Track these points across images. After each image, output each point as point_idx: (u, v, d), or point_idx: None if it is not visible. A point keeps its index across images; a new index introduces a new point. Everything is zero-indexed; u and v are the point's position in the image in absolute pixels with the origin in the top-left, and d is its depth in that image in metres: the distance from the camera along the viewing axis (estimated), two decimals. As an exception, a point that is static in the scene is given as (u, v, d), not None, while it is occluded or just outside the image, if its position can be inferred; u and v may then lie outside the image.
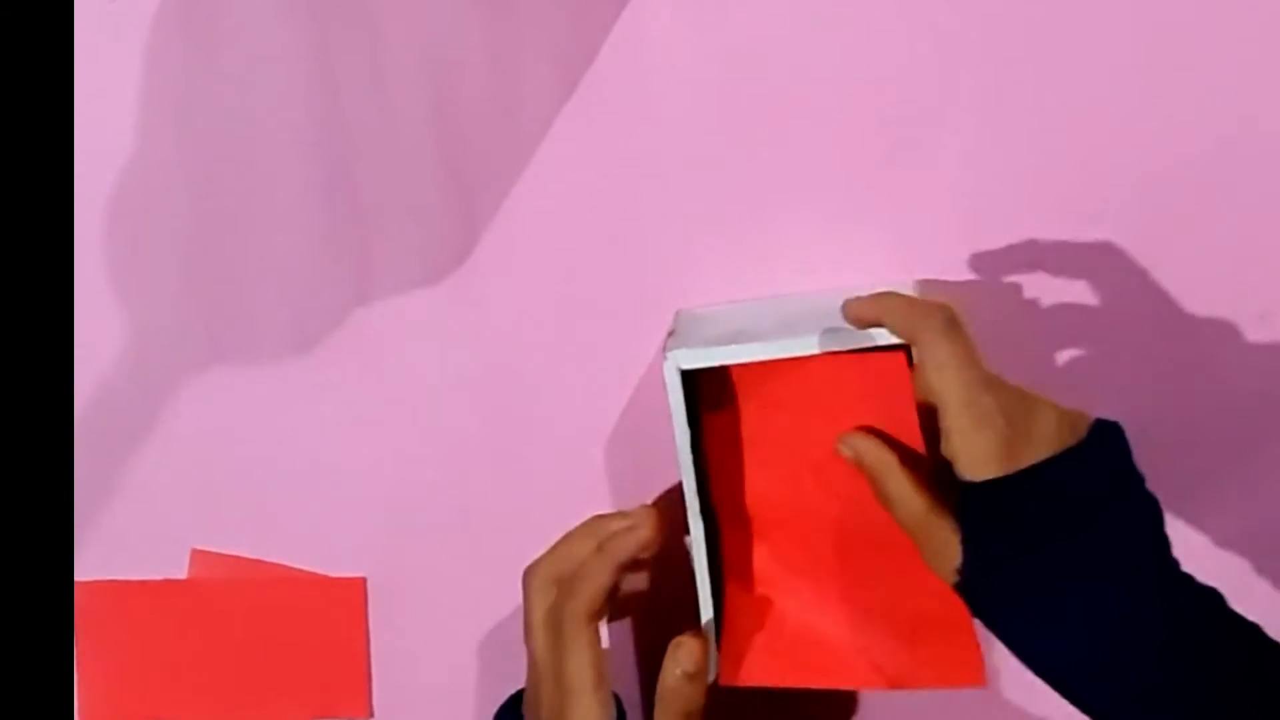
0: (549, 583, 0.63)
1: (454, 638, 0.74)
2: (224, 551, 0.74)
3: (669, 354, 0.62)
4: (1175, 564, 0.55)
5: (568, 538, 0.64)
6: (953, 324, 0.57)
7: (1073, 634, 0.54)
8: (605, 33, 0.68)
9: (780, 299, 0.68)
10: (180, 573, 0.74)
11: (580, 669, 0.60)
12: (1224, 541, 0.68)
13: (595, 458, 0.71)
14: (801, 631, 0.65)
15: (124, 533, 0.74)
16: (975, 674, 0.60)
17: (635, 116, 0.69)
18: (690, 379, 0.62)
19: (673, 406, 0.62)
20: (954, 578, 0.56)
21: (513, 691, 0.67)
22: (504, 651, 0.73)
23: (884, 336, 0.59)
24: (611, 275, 0.70)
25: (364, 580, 0.74)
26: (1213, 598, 0.55)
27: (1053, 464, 0.55)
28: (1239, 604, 0.55)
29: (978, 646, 0.60)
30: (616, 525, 0.63)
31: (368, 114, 0.70)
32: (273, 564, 0.74)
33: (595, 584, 0.61)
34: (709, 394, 0.65)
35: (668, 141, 0.69)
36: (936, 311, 0.57)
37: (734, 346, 0.61)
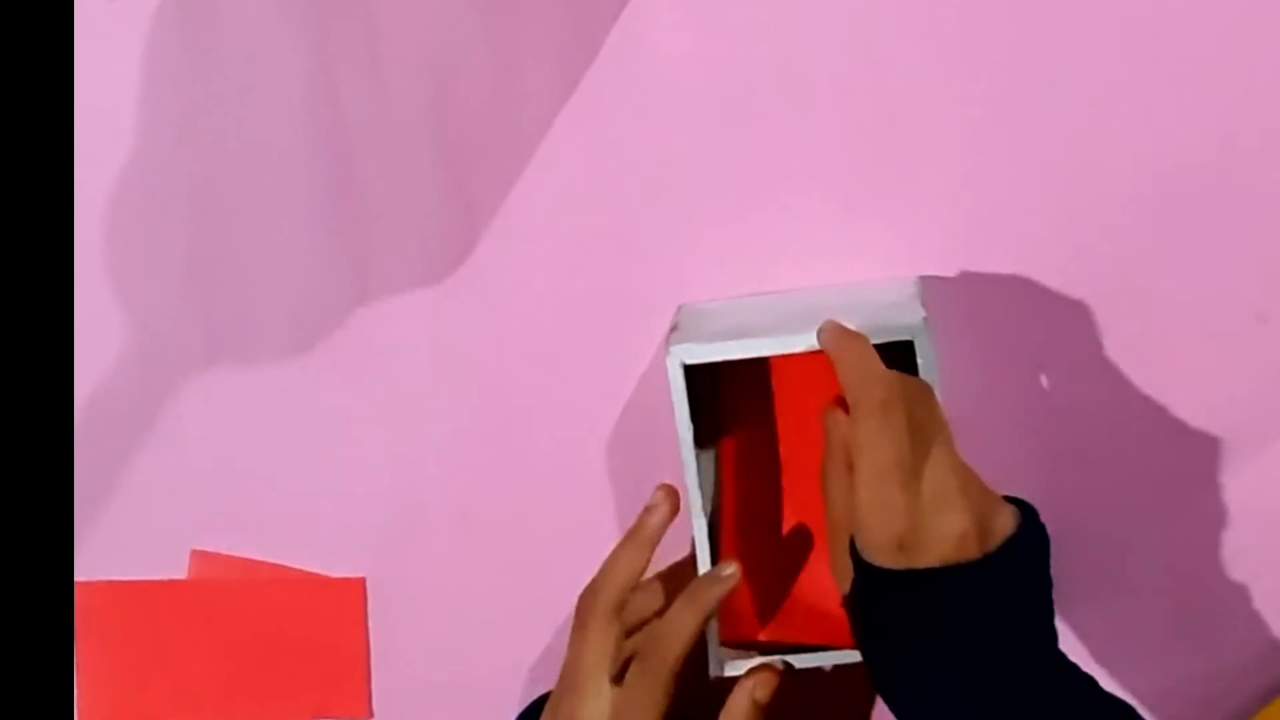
0: (612, 611, 0.61)
1: (454, 638, 0.74)
2: (224, 551, 0.74)
3: (671, 349, 0.62)
4: (1052, 678, 0.55)
5: (617, 554, 0.63)
6: (890, 406, 0.55)
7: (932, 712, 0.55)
8: (605, 33, 0.68)
9: (784, 294, 0.68)
10: (180, 573, 0.74)
11: (593, 658, 0.60)
12: (1223, 543, 0.68)
13: (595, 456, 0.71)
14: (799, 599, 0.65)
15: (124, 533, 0.74)
16: None
17: (635, 116, 0.69)
18: (693, 374, 0.62)
19: (675, 401, 0.62)
20: (841, 598, 0.57)
21: (522, 693, 0.67)
22: (504, 651, 0.73)
23: (884, 334, 0.59)
24: (612, 274, 0.70)
25: (364, 580, 0.74)
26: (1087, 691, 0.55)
27: (937, 574, 0.54)
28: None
29: None
30: (657, 519, 0.62)
31: (368, 114, 0.70)
32: (273, 564, 0.74)
33: (684, 636, 0.59)
34: (712, 389, 0.64)
35: (668, 140, 0.69)
36: (880, 386, 0.56)
37: (737, 342, 0.61)
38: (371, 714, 0.75)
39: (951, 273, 0.68)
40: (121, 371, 0.73)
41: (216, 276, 0.72)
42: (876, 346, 0.59)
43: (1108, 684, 0.65)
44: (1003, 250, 0.68)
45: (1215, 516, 0.68)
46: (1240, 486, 0.68)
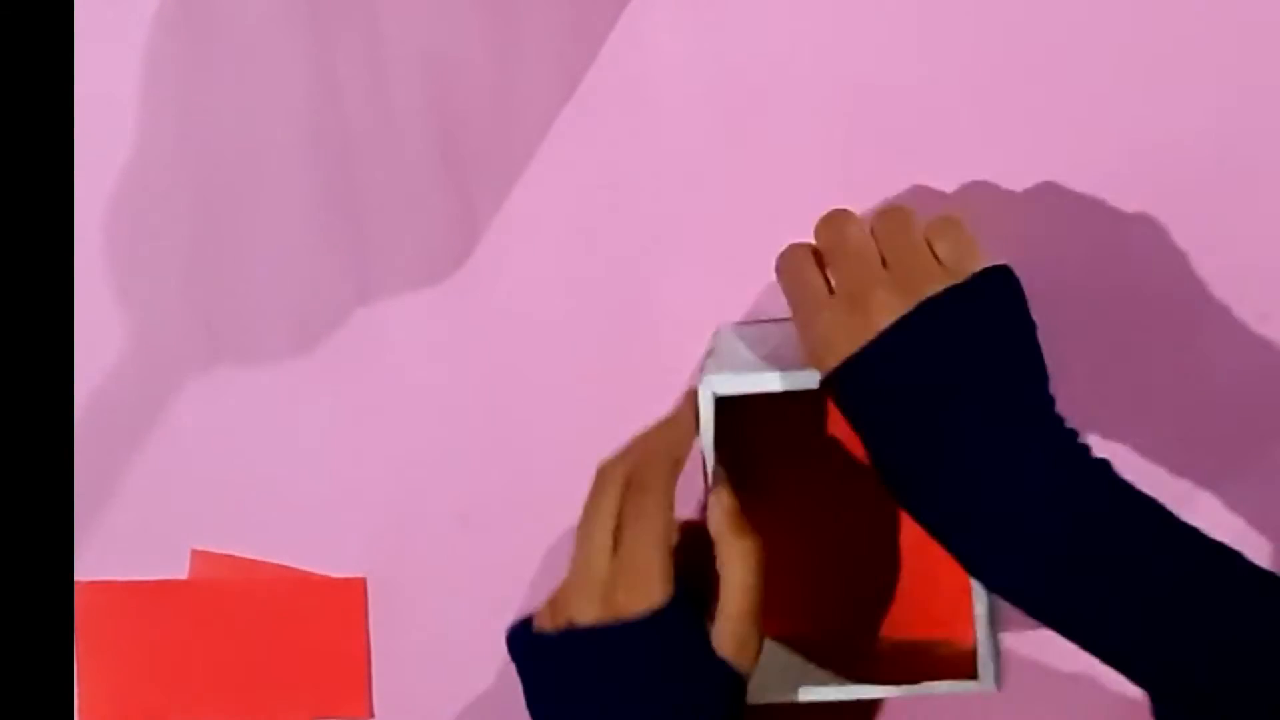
0: (623, 473, 0.60)
1: (454, 638, 0.74)
2: (224, 551, 0.74)
3: (705, 377, 0.60)
4: (1057, 422, 0.55)
5: (641, 438, 0.62)
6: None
7: (951, 507, 0.54)
8: (605, 33, 0.68)
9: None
10: (180, 573, 0.74)
11: (648, 531, 0.57)
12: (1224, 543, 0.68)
13: (595, 456, 0.71)
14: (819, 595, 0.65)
15: (124, 533, 0.74)
16: (968, 669, 0.60)
17: (636, 116, 0.69)
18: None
19: (703, 432, 0.60)
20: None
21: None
22: (504, 652, 0.73)
23: None
24: (611, 274, 0.70)
25: (364, 580, 0.74)
26: (1100, 465, 0.55)
27: (889, 334, 0.55)
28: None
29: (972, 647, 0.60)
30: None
31: (368, 114, 0.70)
32: (273, 564, 0.74)
33: (683, 443, 0.59)
34: (735, 412, 0.63)
35: (668, 141, 0.69)
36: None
37: (769, 374, 0.60)
38: (372, 714, 0.75)
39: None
40: (121, 371, 0.73)
41: (216, 276, 0.72)
42: None
43: (1109, 683, 0.66)
44: (1004, 251, 0.68)
45: (1215, 517, 0.68)
46: (1240, 486, 0.68)
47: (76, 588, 0.74)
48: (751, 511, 0.60)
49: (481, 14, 0.69)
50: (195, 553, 0.74)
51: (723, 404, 0.60)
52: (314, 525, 0.73)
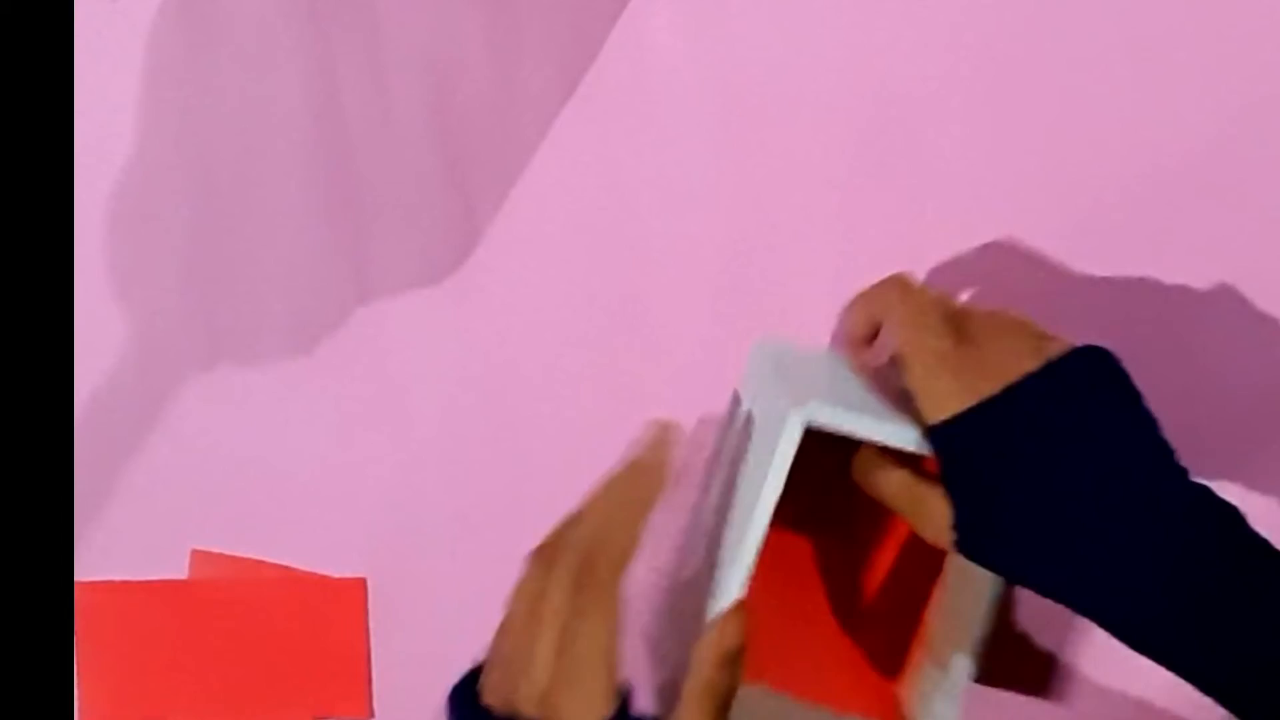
0: (572, 547, 0.57)
1: (454, 638, 0.73)
2: (224, 551, 0.74)
3: (798, 408, 0.54)
4: (1181, 473, 0.54)
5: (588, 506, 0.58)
6: (905, 287, 0.57)
7: (1072, 557, 0.53)
8: (605, 33, 0.68)
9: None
10: (180, 573, 0.74)
11: (596, 634, 0.54)
12: None
13: (595, 457, 0.71)
14: (813, 655, 0.63)
15: (124, 533, 0.74)
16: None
17: (635, 116, 0.69)
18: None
19: (776, 463, 0.54)
20: (950, 536, 0.54)
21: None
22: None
23: None
24: (611, 274, 0.70)
25: (364, 580, 0.74)
26: (1231, 513, 0.54)
27: (1014, 390, 0.53)
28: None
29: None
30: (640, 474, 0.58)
31: (368, 114, 0.70)
32: (273, 564, 0.74)
33: (628, 538, 0.56)
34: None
35: (668, 141, 0.69)
36: (891, 287, 0.58)
37: (884, 423, 0.55)
38: (372, 714, 0.75)
39: (949, 277, 0.68)
40: (121, 371, 0.73)
41: (216, 276, 0.72)
42: None
43: (1113, 683, 0.66)
44: (1004, 250, 0.68)
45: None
46: (1240, 486, 0.68)
47: (76, 588, 0.74)
48: None
49: (481, 14, 0.69)
50: (195, 553, 0.74)
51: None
52: (314, 525, 0.73)
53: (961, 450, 0.54)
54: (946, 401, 0.54)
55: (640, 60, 0.68)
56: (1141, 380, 0.68)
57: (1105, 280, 0.67)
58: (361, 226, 0.71)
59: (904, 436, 0.55)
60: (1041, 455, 0.53)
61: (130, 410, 0.73)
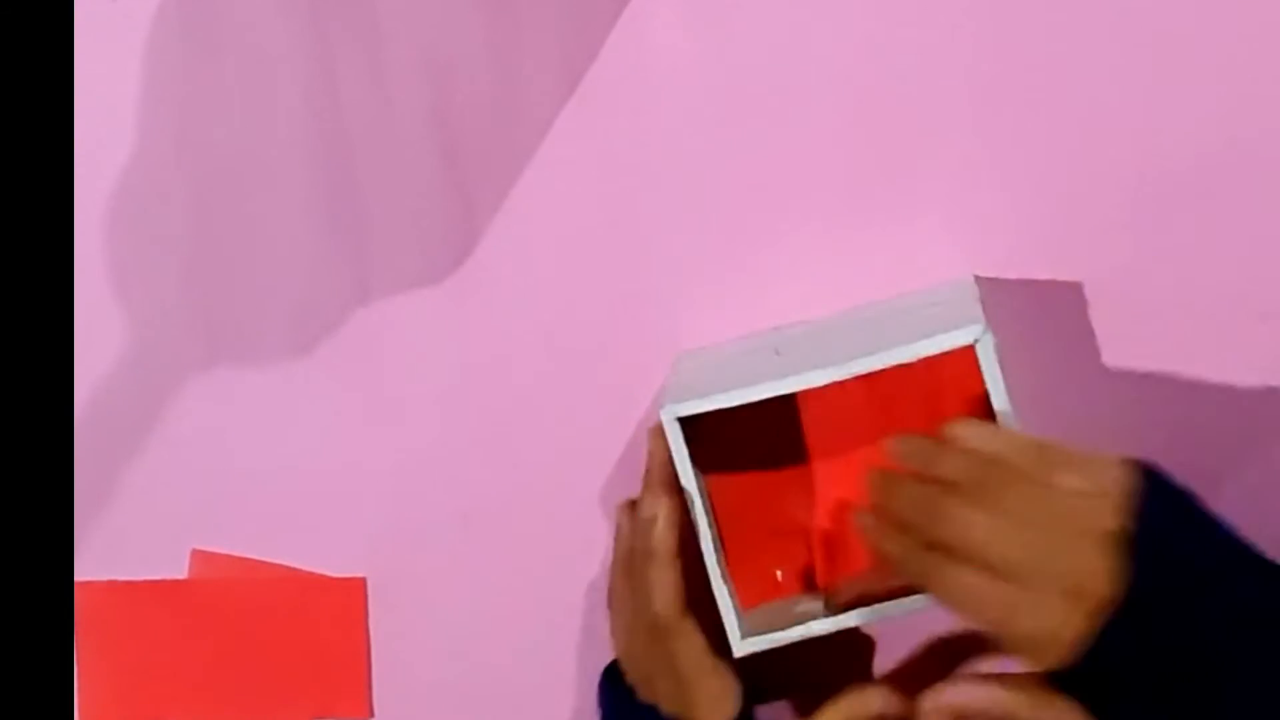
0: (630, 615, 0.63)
1: (454, 638, 0.74)
2: (224, 551, 0.74)
3: (664, 408, 0.61)
4: None
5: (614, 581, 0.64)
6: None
7: None
8: (605, 33, 0.68)
9: (781, 330, 0.68)
10: (180, 573, 0.74)
11: (694, 657, 0.60)
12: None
13: (594, 456, 0.71)
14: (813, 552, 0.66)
15: (124, 533, 0.74)
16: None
17: (635, 116, 0.69)
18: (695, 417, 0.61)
19: (676, 457, 0.61)
20: None
21: (522, 693, 0.67)
22: (504, 651, 0.73)
23: (941, 342, 0.58)
24: (611, 274, 0.70)
25: (364, 580, 0.74)
26: None
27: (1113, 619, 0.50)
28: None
29: None
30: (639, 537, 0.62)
31: (368, 114, 0.70)
32: (273, 564, 0.74)
33: (665, 584, 0.60)
34: (713, 428, 0.63)
35: (668, 141, 0.69)
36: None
37: (729, 393, 0.60)
38: (372, 714, 0.75)
39: (954, 274, 0.68)
40: (121, 371, 0.73)
41: (216, 276, 0.72)
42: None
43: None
44: (1004, 250, 0.68)
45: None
46: (1241, 486, 0.68)
47: (76, 588, 0.74)
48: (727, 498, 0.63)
49: (481, 14, 0.69)
50: (195, 553, 0.74)
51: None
52: (314, 525, 0.73)
53: (1097, 673, 0.51)
54: (1052, 648, 0.51)
55: (641, 60, 0.68)
56: (1143, 379, 0.68)
57: (1105, 280, 0.67)
58: (361, 226, 0.71)
59: (755, 393, 0.59)
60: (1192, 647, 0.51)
61: (130, 410, 0.73)
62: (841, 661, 0.66)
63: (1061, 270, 0.67)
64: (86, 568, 0.74)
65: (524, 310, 0.71)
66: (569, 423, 0.71)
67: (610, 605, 0.64)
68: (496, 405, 0.71)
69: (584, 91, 0.69)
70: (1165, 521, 0.52)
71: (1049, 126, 0.67)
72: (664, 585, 0.60)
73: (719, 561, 0.62)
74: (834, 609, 0.63)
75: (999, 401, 0.59)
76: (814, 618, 0.62)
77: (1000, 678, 0.54)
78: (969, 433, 0.56)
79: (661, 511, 0.60)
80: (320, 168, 0.71)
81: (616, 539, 0.64)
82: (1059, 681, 0.52)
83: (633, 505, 0.63)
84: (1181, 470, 0.67)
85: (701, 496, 0.62)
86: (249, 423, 0.73)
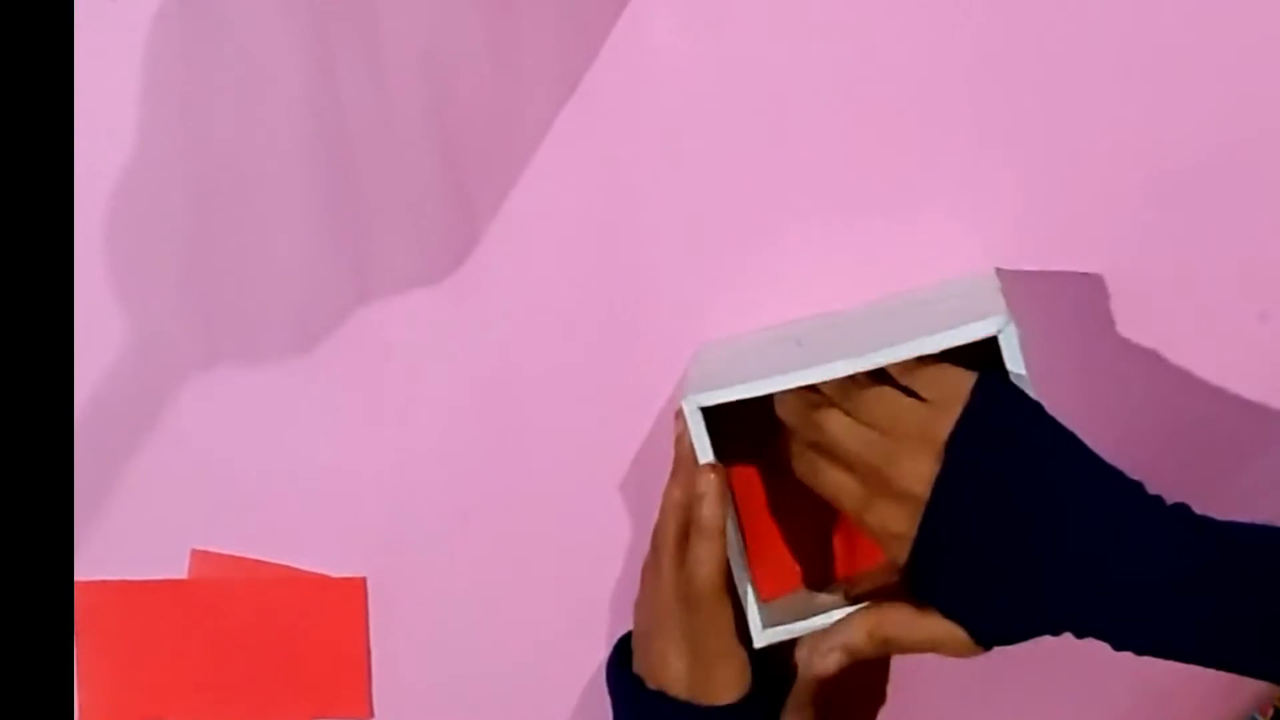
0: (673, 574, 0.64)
1: (454, 638, 0.74)
2: (224, 551, 0.74)
3: (686, 396, 0.62)
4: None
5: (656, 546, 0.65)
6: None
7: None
8: (605, 33, 0.68)
9: (802, 322, 0.68)
10: (180, 573, 0.74)
11: (722, 635, 0.62)
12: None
13: (594, 456, 0.71)
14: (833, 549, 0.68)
15: (124, 533, 0.74)
16: None
17: (636, 117, 0.69)
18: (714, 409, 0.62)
19: (698, 447, 0.62)
20: (972, 645, 0.58)
21: (522, 693, 0.67)
22: (504, 651, 0.73)
23: (963, 335, 0.59)
24: (610, 274, 0.70)
25: (364, 580, 0.74)
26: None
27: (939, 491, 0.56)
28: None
29: None
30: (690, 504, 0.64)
31: (368, 114, 0.70)
32: (273, 564, 0.74)
33: (713, 562, 0.62)
34: (733, 420, 0.64)
35: (668, 141, 0.69)
36: None
37: (751, 383, 0.61)
38: (372, 714, 0.75)
39: (972, 266, 0.68)
40: (121, 371, 0.73)
41: (216, 276, 0.72)
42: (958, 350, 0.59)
43: (1114, 683, 0.66)
44: (1004, 250, 0.68)
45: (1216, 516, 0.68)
46: (1241, 486, 0.68)
47: (76, 588, 0.74)
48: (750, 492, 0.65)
49: (481, 14, 0.69)
50: (195, 553, 0.74)
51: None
52: (314, 525, 0.73)
53: (932, 571, 0.57)
54: (895, 547, 0.58)
55: (641, 60, 0.68)
56: (1143, 379, 0.68)
57: (1124, 273, 0.67)
58: (361, 226, 0.71)
59: (777, 384, 0.60)
60: (1007, 523, 0.56)
61: (130, 410, 0.73)
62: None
63: (1058, 269, 0.67)
64: (86, 568, 0.74)
65: (524, 310, 0.71)
66: (568, 422, 0.71)
67: (644, 581, 0.66)
68: (496, 405, 0.71)
69: (584, 91, 0.69)
70: (982, 430, 0.57)
71: (1050, 125, 0.67)
72: (710, 558, 0.62)
73: (741, 552, 0.63)
74: (853, 600, 0.63)
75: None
76: (833, 609, 0.63)
77: (878, 604, 0.60)
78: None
79: (712, 487, 0.62)
80: (320, 168, 0.71)
81: (662, 515, 0.65)
82: (912, 583, 0.58)
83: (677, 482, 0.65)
84: (1181, 470, 0.68)
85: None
86: (249, 423, 0.73)
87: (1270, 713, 0.68)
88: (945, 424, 0.57)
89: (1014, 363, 0.59)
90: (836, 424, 0.60)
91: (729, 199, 0.69)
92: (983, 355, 0.59)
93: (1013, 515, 0.56)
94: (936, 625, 0.58)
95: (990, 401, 0.57)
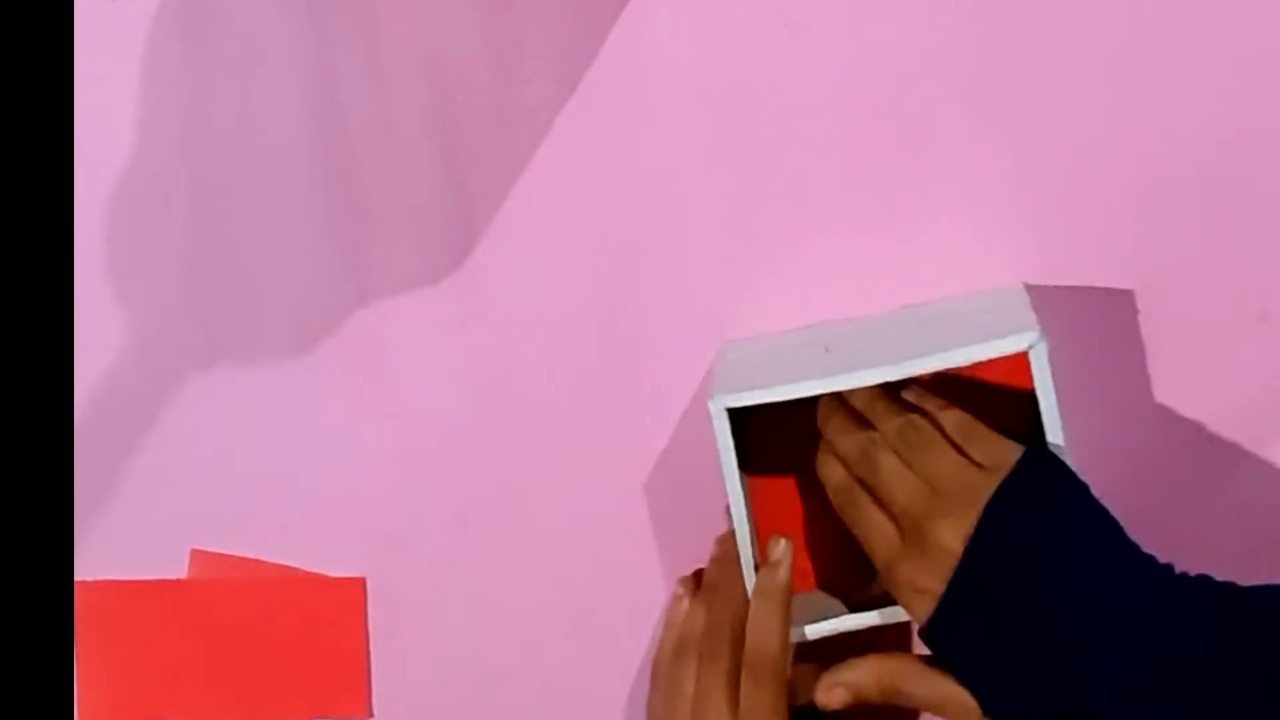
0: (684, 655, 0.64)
1: (454, 638, 0.74)
2: (224, 551, 0.74)
3: (713, 396, 0.61)
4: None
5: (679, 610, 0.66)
6: None
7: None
8: (605, 33, 0.68)
9: (820, 326, 0.68)
10: (180, 573, 0.74)
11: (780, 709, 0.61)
12: (1224, 544, 0.68)
13: (594, 456, 0.71)
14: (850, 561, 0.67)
15: (124, 533, 0.74)
16: None
17: (635, 116, 0.69)
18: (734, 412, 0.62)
19: (721, 448, 0.62)
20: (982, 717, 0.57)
21: (521, 693, 0.67)
22: (504, 652, 0.73)
23: (994, 349, 0.59)
24: (609, 275, 0.70)
25: (364, 580, 0.74)
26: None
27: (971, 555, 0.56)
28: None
29: None
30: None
31: (368, 114, 0.70)
32: (273, 564, 0.74)
33: (777, 633, 0.62)
34: (750, 425, 0.64)
35: (667, 141, 0.69)
36: None
37: (779, 387, 0.61)
38: (371, 714, 0.75)
39: (951, 280, 0.68)
40: (121, 371, 0.73)
41: (216, 276, 0.72)
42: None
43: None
44: (1002, 250, 0.68)
45: (1215, 517, 0.68)
46: (1240, 486, 0.68)
47: (76, 588, 0.74)
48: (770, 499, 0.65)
49: (481, 14, 0.69)
50: (195, 553, 0.74)
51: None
52: (314, 525, 0.73)
53: (954, 633, 0.57)
54: (917, 603, 0.58)
55: (640, 60, 0.68)
56: (1143, 380, 0.68)
57: (1102, 280, 0.67)
58: (361, 226, 0.71)
59: (808, 389, 0.60)
60: (1025, 600, 0.55)
61: (130, 410, 0.73)
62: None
63: (1058, 269, 0.67)
64: (86, 568, 0.74)
65: (523, 310, 0.71)
66: (568, 423, 0.71)
67: (670, 674, 0.64)
68: (496, 405, 0.71)
69: (583, 92, 0.69)
70: (1020, 500, 0.56)
71: (1049, 124, 0.67)
72: (778, 626, 0.62)
73: (754, 556, 0.63)
74: (867, 606, 0.63)
75: (1048, 409, 0.59)
76: (848, 613, 0.63)
77: (894, 654, 0.60)
78: (911, 395, 0.62)
79: (788, 556, 0.62)
80: (320, 168, 0.71)
81: (678, 619, 0.65)
82: (932, 641, 0.58)
83: (693, 582, 0.66)
84: (1181, 470, 0.68)
85: (744, 490, 0.62)
86: (249, 423, 0.73)
87: None
88: (989, 489, 0.57)
89: (1042, 378, 0.59)
90: (892, 469, 0.59)
91: (728, 200, 0.69)
92: (1010, 368, 0.59)
93: (1036, 589, 0.55)
94: (947, 687, 0.57)
95: (1035, 471, 0.57)
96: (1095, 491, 0.57)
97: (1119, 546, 0.56)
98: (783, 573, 0.62)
